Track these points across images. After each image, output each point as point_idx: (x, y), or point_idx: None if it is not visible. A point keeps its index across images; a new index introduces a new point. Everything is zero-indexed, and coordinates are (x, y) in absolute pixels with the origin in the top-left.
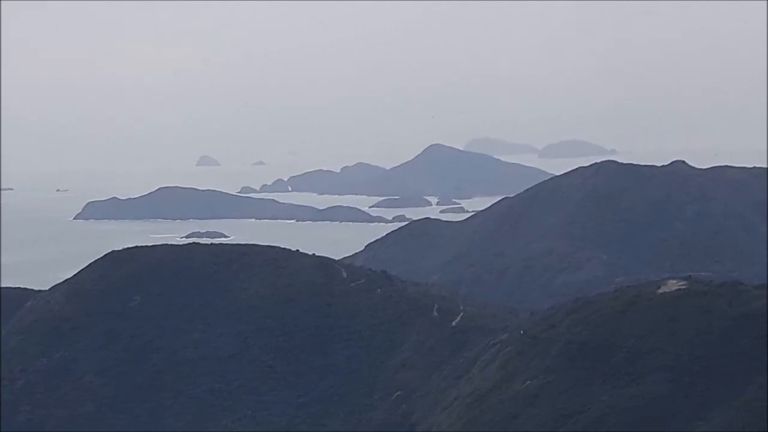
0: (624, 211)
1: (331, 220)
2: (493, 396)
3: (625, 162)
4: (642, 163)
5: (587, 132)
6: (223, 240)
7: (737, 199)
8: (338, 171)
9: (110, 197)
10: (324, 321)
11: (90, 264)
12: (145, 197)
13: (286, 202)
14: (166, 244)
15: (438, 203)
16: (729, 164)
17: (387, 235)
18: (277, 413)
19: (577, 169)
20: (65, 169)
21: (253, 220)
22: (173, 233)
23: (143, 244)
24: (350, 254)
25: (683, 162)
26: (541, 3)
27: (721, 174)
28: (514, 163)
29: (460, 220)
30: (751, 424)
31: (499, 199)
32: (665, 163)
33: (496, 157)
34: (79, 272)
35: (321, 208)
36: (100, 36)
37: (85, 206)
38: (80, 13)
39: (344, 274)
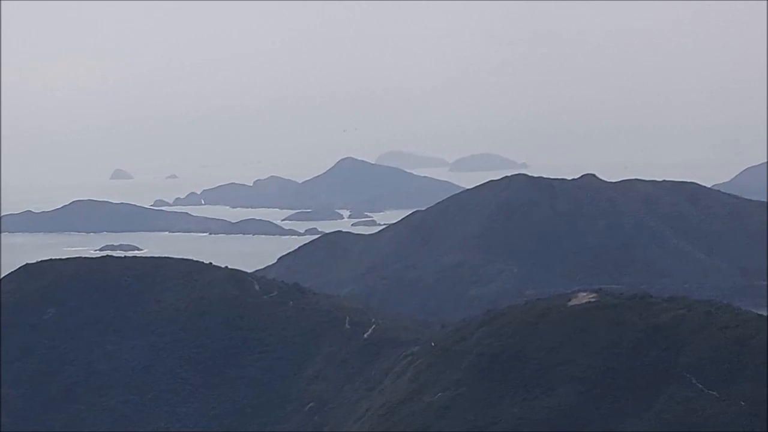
0: (535, 224)
1: (244, 233)
2: (405, 408)
3: (535, 175)
4: (552, 177)
5: (498, 145)
6: (136, 253)
7: (647, 212)
8: (251, 184)
9: (24, 210)
10: (237, 333)
11: (4, 277)
12: (59, 210)
13: (199, 215)
14: (80, 257)
15: (350, 216)
16: (639, 177)
17: (299, 248)
18: (191, 425)
19: (488, 182)
20: None
21: (167, 233)
22: (87, 246)
23: (57, 257)
24: (263, 267)
25: (593, 175)
26: (450, 17)
27: (631, 187)
28: (425, 177)
29: (372, 233)
30: None
31: (411, 212)
32: (576, 177)
33: (408, 170)
34: None
35: (234, 221)
36: (7, 45)
37: None
38: None
39: (257, 287)
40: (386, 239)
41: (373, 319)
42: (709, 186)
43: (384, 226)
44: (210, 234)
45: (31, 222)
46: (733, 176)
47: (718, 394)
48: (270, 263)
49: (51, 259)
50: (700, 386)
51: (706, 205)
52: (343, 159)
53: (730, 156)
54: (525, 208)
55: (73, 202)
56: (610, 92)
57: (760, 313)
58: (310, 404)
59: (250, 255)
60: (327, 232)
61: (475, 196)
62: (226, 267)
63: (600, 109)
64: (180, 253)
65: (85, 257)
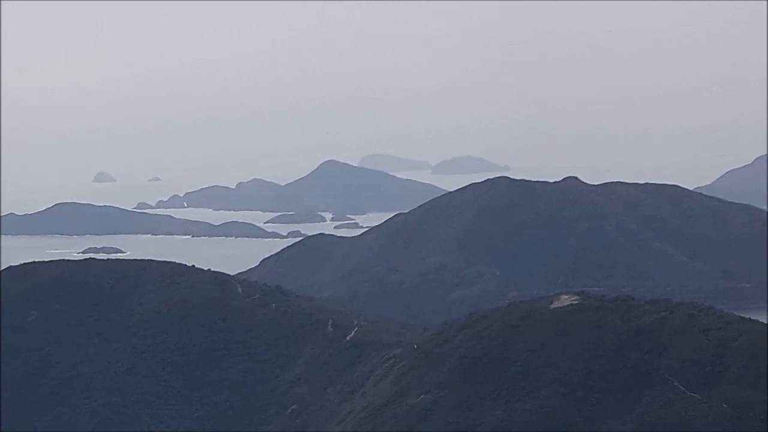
0: (517, 227)
1: (227, 236)
2: (387, 410)
3: (518, 178)
4: (535, 179)
5: (481, 148)
6: (119, 255)
7: (629, 215)
8: (233, 187)
9: (7, 213)
10: (219, 336)
11: None
12: (42, 213)
13: (181, 217)
14: (63, 260)
15: (332, 219)
16: (621, 180)
17: (282, 250)
18: (173, 427)
19: (470, 185)
20: None
21: (149, 235)
22: (70, 249)
23: (40, 260)
24: (245, 270)
25: (576, 178)
26: (433, 20)
27: (613, 190)
28: (407, 179)
29: (354, 235)
30: None
31: (393, 215)
32: (558, 180)
33: (390, 173)
34: None
35: (216, 223)
36: None
37: None
38: None
39: (239, 290)
40: (369, 242)
41: (356, 322)
42: (691, 189)
43: (366, 229)
44: (192, 237)
45: (14, 224)
46: (715, 179)
47: (700, 396)
48: (252, 266)
49: (34, 262)
50: (683, 388)
51: (688, 207)
52: (325, 161)
53: (711, 159)
54: (507, 211)
55: (56, 204)
56: (592, 95)
57: (742, 315)
58: (293, 407)
59: (233, 258)
60: (309, 234)
61: (457, 199)
62: (209, 270)
63: (582, 112)
64: (162, 255)
65: (68, 260)
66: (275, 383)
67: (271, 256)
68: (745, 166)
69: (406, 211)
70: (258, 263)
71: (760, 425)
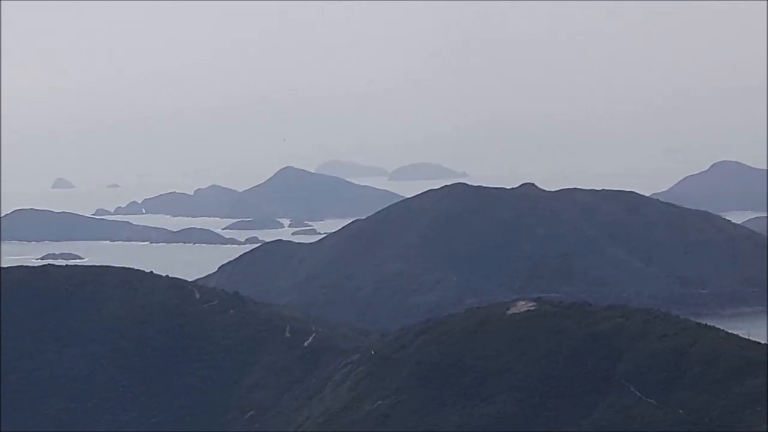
0: (474, 233)
1: (185, 242)
2: (345, 416)
3: (475, 185)
4: (492, 186)
5: (438, 155)
6: (77, 262)
7: (586, 221)
8: (192, 193)
9: None
10: (177, 342)
11: None
12: (0, 219)
13: (140, 224)
14: (22, 266)
15: (290, 225)
16: (578, 187)
17: (240, 256)
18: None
19: (427, 191)
20: None
21: (108, 242)
22: (28, 255)
23: None
24: (203, 276)
25: (533, 185)
26: (390, 25)
27: (570, 197)
28: (365, 186)
29: (312, 242)
30: None
31: (351, 221)
32: (515, 186)
33: (348, 179)
34: None
35: (174, 230)
36: None
37: None
38: None
39: (197, 296)
40: (326, 248)
41: (313, 328)
42: (648, 195)
43: (324, 235)
44: (151, 243)
45: None
46: (671, 185)
47: (656, 401)
48: (210, 272)
49: None
50: (639, 394)
51: (644, 214)
52: (283, 168)
53: (668, 165)
54: (464, 217)
55: (14, 210)
56: (550, 101)
57: (698, 321)
58: (250, 412)
59: (191, 264)
60: (267, 240)
61: (414, 205)
62: (167, 276)
63: (539, 119)
64: (121, 261)
65: (26, 266)
66: (233, 389)
67: (229, 262)
68: (701, 172)
69: (364, 218)
70: (216, 269)
71: (716, 430)
